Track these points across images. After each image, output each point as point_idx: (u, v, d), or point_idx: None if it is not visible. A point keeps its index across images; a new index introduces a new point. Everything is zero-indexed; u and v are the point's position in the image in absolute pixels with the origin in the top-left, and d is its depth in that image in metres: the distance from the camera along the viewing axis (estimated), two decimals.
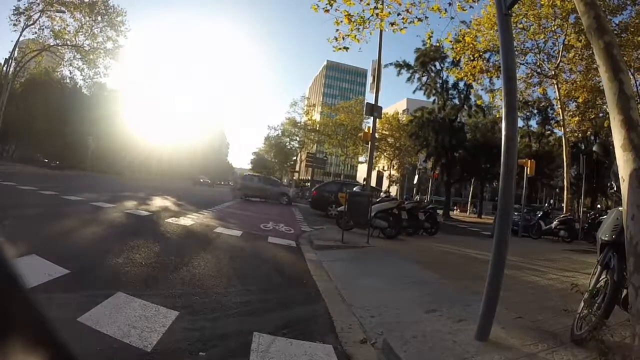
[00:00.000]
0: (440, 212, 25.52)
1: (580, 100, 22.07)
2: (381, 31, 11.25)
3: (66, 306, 3.42)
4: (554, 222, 17.11)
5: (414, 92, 41.90)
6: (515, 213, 17.26)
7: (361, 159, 52.91)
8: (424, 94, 36.15)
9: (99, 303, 3.55)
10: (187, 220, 10.47)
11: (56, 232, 6.79)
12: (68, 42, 33.77)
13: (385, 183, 49.32)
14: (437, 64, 34.79)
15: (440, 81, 35.32)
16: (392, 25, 9.06)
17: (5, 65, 32.79)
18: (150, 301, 3.82)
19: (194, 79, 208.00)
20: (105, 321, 3.20)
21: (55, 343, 0.54)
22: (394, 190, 45.93)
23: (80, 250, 5.70)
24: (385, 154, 45.97)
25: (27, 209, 9.23)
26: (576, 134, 27.46)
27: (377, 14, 8.90)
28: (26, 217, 8.00)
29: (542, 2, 18.76)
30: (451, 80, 34.23)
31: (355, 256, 8.45)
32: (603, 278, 3.58)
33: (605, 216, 4.26)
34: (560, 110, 23.30)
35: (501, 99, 4.53)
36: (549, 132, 39.20)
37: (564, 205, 22.21)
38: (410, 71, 35.38)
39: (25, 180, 15.80)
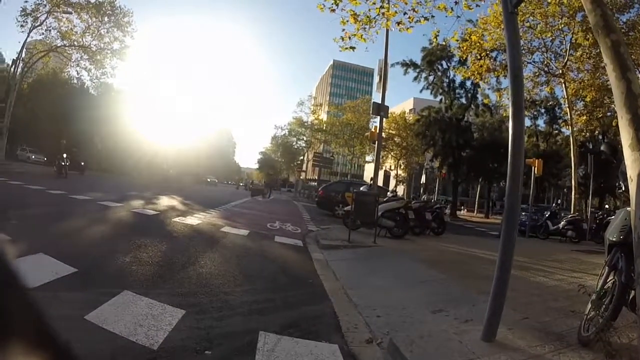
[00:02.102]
0: (447, 211, 25.44)
1: (587, 99, 21.96)
2: (387, 30, 11.25)
3: (73, 304, 3.44)
4: (562, 223, 17.01)
5: (420, 91, 41.68)
6: (523, 213, 17.19)
7: (368, 158, 52.84)
8: (431, 93, 36.09)
9: (106, 301, 3.57)
10: (193, 220, 10.50)
11: (63, 231, 6.83)
12: (75, 43, 33.90)
13: (392, 183, 49.22)
14: (443, 63, 34.72)
15: (447, 80, 35.23)
16: (398, 24, 9.06)
17: (13, 66, 32.94)
18: (157, 300, 3.84)
19: (200, 78, 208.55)
20: (112, 319, 3.22)
21: (56, 343, 0.54)
22: (400, 190, 45.85)
23: (87, 249, 5.73)
24: (392, 153, 45.83)
25: (35, 208, 9.29)
26: (584, 133, 27.30)
27: (383, 14, 8.90)
28: (34, 216, 8.05)
29: (549, 1, 18.70)
30: (458, 79, 34.16)
31: (362, 256, 8.45)
32: (611, 279, 3.56)
33: (613, 216, 4.23)
34: (567, 109, 23.18)
35: (508, 98, 4.50)
36: (556, 131, 39.05)
37: (571, 205, 22.11)
38: (417, 70, 35.30)
39: (33, 180, 15.90)
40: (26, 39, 32.65)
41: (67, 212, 9.30)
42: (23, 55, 34.41)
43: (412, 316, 4.24)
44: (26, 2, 31.08)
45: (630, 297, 3.26)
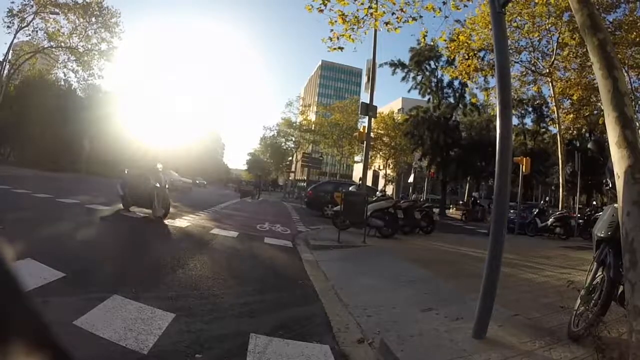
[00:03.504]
0: (436, 210, 25.53)
1: (574, 97, 22.20)
2: (375, 31, 11.28)
3: (62, 309, 3.40)
4: (550, 220, 17.14)
5: (409, 91, 41.93)
6: (511, 211, 17.29)
7: (357, 158, 52.91)
8: (419, 93, 36.17)
9: (95, 306, 3.53)
10: (183, 222, 10.45)
11: (51, 236, 6.76)
12: (62, 44, 33.68)
13: (381, 182, 49.29)
14: (431, 63, 34.81)
15: (435, 80, 35.33)
16: (386, 24, 9.08)
17: None
18: (147, 303, 3.81)
19: (188, 79, 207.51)
20: (102, 324, 3.19)
21: (54, 346, 0.53)
22: (389, 190, 45.93)
23: (75, 254, 5.67)
24: (380, 153, 45.91)
25: (22, 212, 9.18)
26: (571, 132, 27.61)
27: (371, 14, 8.91)
28: (21, 220, 7.95)
29: (536, 1, 18.85)
30: (446, 79, 34.30)
31: (352, 256, 8.45)
32: (599, 275, 3.60)
33: (600, 213, 4.27)
34: (554, 107, 23.44)
35: (496, 97, 4.54)
36: (543, 129, 39.31)
37: (559, 202, 22.30)
38: (405, 70, 35.38)
39: (20, 184, 15.71)
40: (12, 40, 32.39)
41: (55, 216, 9.21)
42: (9, 56, 34.07)
43: (403, 315, 4.24)
44: (12, 2, 30.79)
45: (619, 292, 3.30)
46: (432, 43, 25.35)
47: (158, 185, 10.25)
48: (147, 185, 10.29)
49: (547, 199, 26.62)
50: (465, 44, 20.35)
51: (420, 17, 8.97)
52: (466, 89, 33.34)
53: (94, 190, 18.81)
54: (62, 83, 43.45)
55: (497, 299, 3.59)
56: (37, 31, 32.62)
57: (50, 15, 32.07)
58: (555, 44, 21.09)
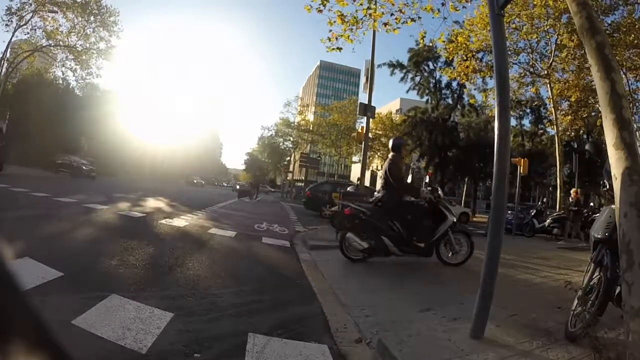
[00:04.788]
0: None
1: (572, 99, 22.27)
2: (374, 31, 11.29)
3: (60, 309, 3.40)
4: (548, 221, 17.20)
5: (407, 91, 42.04)
6: (509, 212, 17.32)
7: (355, 158, 52.95)
8: (417, 93, 36.35)
9: (93, 305, 3.52)
10: (180, 222, 10.43)
11: (49, 235, 6.75)
12: (60, 43, 33.63)
13: (379, 183, 49.25)
14: (430, 63, 34.97)
15: (434, 81, 35.49)
16: (385, 25, 9.11)
17: None
18: (145, 303, 3.80)
19: (186, 79, 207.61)
20: (100, 324, 3.18)
21: (52, 345, 0.54)
22: None
23: (73, 253, 5.66)
24: (378, 153, 45.94)
25: (20, 211, 9.17)
26: (569, 133, 27.66)
27: (370, 15, 8.94)
28: (19, 219, 7.94)
29: (535, 2, 18.93)
30: (444, 80, 34.52)
31: None
32: (596, 275, 3.62)
33: (598, 214, 4.28)
34: (552, 109, 23.49)
35: (494, 98, 4.55)
36: (541, 131, 39.38)
37: (557, 203, 22.35)
38: (404, 71, 35.51)
39: (18, 182, 15.67)
40: (11, 39, 32.34)
41: (53, 215, 9.18)
42: (8, 55, 34.01)
43: (401, 315, 4.25)
44: (11, 0, 30.74)
45: (616, 292, 3.31)
46: (430, 44, 25.33)
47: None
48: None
49: (545, 200, 26.63)
50: (464, 45, 20.39)
51: (419, 18, 9.02)
52: (464, 90, 33.53)
53: (92, 190, 18.80)
54: (60, 82, 43.42)
55: (494, 299, 3.60)
56: (35, 29, 32.62)
57: (49, 14, 32.02)
58: (554, 45, 21.15)
